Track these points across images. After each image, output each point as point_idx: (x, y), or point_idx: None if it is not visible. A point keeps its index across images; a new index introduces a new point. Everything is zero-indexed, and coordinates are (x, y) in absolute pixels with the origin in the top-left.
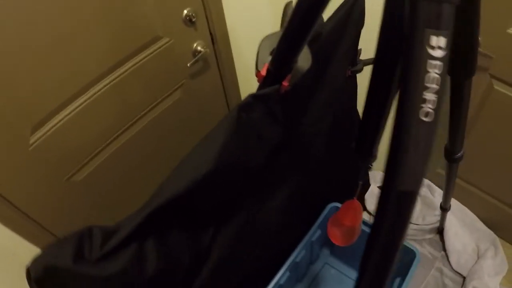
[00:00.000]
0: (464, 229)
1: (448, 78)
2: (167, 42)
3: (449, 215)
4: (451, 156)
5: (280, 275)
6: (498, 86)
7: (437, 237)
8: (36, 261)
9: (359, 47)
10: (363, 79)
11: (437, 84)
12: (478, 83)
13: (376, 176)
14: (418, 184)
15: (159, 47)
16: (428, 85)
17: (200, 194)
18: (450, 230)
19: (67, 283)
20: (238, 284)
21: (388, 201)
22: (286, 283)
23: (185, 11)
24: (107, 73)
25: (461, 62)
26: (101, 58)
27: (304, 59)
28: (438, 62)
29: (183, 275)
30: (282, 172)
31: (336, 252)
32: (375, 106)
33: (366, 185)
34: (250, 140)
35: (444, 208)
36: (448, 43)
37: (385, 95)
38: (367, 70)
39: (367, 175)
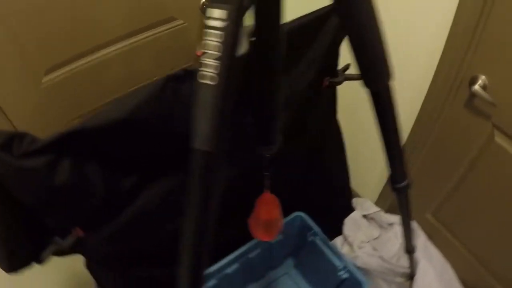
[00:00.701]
0: (439, 285)
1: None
2: (181, 24)
3: (428, 264)
4: (394, 185)
5: (225, 263)
6: (500, 139)
7: (407, 283)
8: None
9: (348, 63)
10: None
11: (218, 51)
12: (478, 131)
13: (364, 203)
14: (207, 144)
15: (173, 27)
16: (207, 51)
17: (114, 138)
18: (423, 280)
19: None
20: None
21: (189, 160)
22: (235, 275)
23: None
24: (121, 39)
25: (369, 67)
26: (118, 24)
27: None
28: (215, 31)
29: (99, 203)
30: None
31: (300, 266)
32: (264, 95)
33: (349, 209)
34: (175, 108)
35: (407, 250)
36: (228, 16)
37: (269, 83)
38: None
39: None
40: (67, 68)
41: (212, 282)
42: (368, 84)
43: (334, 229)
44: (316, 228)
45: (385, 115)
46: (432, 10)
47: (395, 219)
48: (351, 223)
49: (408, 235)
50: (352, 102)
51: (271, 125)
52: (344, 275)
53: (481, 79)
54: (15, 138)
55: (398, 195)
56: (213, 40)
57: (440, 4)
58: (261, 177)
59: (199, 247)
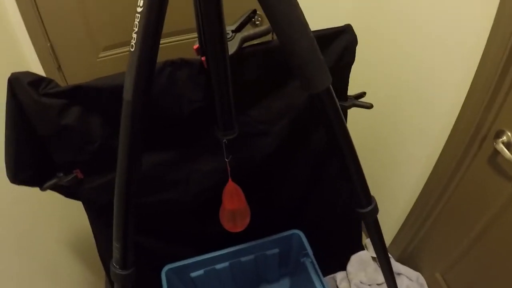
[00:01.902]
0: None
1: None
2: None
3: None
4: (358, 210)
5: (213, 256)
6: None
7: None
8: (14, 74)
9: (364, 91)
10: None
11: (136, 28)
12: (498, 191)
13: None
14: (129, 94)
15: None
16: (134, 29)
17: (115, 102)
18: None
19: (22, 94)
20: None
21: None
22: (224, 273)
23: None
24: (180, 33)
25: (303, 71)
26: (182, 19)
27: (230, 45)
28: (138, 15)
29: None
30: (215, 145)
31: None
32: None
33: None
34: (168, 90)
35: None
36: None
37: (223, 73)
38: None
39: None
40: (123, 49)
41: (198, 272)
42: (305, 88)
43: (338, 261)
44: (309, 249)
45: (330, 121)
46: (456, 60)
47: (405, 270)
48: (356, 261)
49: (386, 274)
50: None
51: (228, 112)
52: None
53: (506, 135)
54: (43, 81)
55: (365, 222)
56: (136, 21)
57: (465, 53)
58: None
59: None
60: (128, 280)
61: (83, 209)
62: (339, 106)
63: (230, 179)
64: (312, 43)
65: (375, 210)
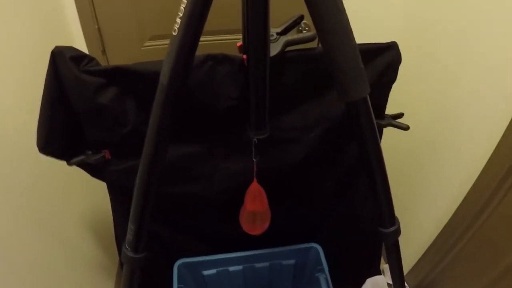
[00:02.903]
0: None
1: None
2: None
3: None
4: (381, 229)
5: (227, 258)
6: None
7: None
8: (58, 47)
9: (402, 112)
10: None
11: (181, 13)
12: None
13: None
14: (165, 78)
15: None
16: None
17: (152, 87)
18: None
19: (63, 68)
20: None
21: None
22: (237, 276)
23: None
24: (227, 32)
25: (342, 78)
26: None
27: (272, 47)
28: (182, 6)
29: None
30: (244, 145)
31: None
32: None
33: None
34: (207, 83)
35: None
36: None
37: (262, 73)
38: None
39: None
40: (168, 41)
41: (211, 271)
42: (342, 95)
43: (352, 282)
44: (325, 265)
45: (362, 134)
46: (500, 89)
47: None
48: (371, 284)
49: None
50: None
51: (262, 112)
52: None
53: None
54: (85, 58)
55: (386, 244)
56: (182, 6)
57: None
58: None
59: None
60: (138, 264)
61: (106, 193)
62: (374, 119)
63: (255, 179)
64: (355, 50)
65: (398, 232)
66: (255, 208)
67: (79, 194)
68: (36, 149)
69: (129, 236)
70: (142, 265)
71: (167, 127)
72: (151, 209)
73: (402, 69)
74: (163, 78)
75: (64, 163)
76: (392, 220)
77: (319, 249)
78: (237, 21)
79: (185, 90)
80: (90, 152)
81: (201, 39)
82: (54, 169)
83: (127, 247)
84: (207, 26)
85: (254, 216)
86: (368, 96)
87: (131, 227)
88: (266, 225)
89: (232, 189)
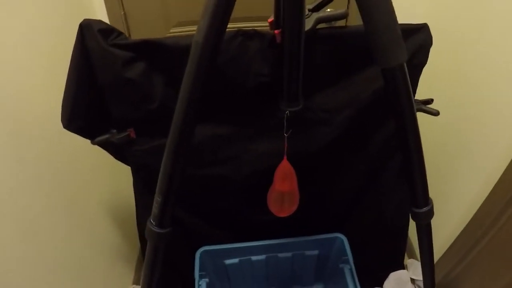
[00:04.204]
0: None
1: None
2: None
3: None
4: (413, 209)
5: (250, 246)
6: None
7: None
8: (87, 20)
9: (431, 98)
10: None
11: None
12: None
13: (417, 267)
14: (199, 36)
15: None
16: None
17: (181, 62)
18: None
19: (91, 40)
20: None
21: None
22: (259, 266)
23: None
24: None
25: (381, 42)
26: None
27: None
28: None
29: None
30: (275, 127)
31: None
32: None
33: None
34: (238, 59)
35: None
36: None
37: (297, 47)
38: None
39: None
40: (194, 28)
41: (233, 260)
42: (379, 61)
43: (374, 276)
44: (350, 256)
45: (399, 103)
46: None
47: None
48: (395, 279)
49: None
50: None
51: (295, 85)
52: None
53: None
54: (114, 31)
55: (418, 225)
56: None
57: None
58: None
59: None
60: (162, 240)
61: (129, 180)
62: (411, 88)
63: (285, 158)
64: (393, 14)
65: (431, 213)
66: (284, 189)
67: (102, 180)
68: (63, 130)
69: (155, 209)
70: (166, 242)
71: (200, 88)
72: (179, 180)
73: (431, 52)
74: (198, 36)
75: (89, 147)
76: (426, 199)
77: (344, 240)
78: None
79: (219, 52)
80: (114, 130)
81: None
82: (79, 152)
83: (152, 221)
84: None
85: (283, 197)
86: (405, 65)
87: (157, 199)
88: (294, 208)
89: (260, 172)
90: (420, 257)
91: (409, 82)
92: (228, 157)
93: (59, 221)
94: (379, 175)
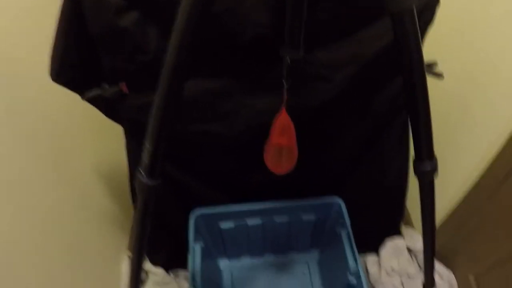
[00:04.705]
0: None
1: None
2: None
3: None
4: (416, 168)
5: (246, 210)
6: None
7: None
8: None
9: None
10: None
11: None
12: None
13: (413, 236)
14: None
15: None
16: None
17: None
18: None
19: None
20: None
21: None
22: (255, 231)
23: None
24: None
25: None
26: None
27: None
28: None
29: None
30: (272, 81)
31: (323, 262)
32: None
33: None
34: (234, 7)
35: (425, 285)
36: None
37: None
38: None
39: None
40: None
41: (228, 224)
42: (387, 4)
43: (370, 242)
44: (347, 220)
45: (406, 50)
46: None
47: (440, 268)
48: (391, 247)
49: (429, 265)
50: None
51: (298, 30)
52: (352, 280)
53: None
54: None
55: (422, 184)
56: None
57: None
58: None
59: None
60: (152, 193)
61: (121, 143)
62: (420, 35)
63: (284, 109)
64: None
65: (435, 169)
66: (282, 143)
67: (94, 143)
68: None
69: (145, 159)
70: (157, 194)
71: (192, 32)
72: (170, 126)
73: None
74: None
75: (80, 108)
76: (431, 152)
77: (341, 203)
78: None
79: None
80: (106, 85)
81: None
82: (70, 114)
83: (141, 172)
84: None
85: (280, 152)
86: (415, 10)
87: (147, 146)
88: (292, 165)
89: (256, 129)
90: (422, 218)
91: (418, 28)
92: (223, 113)
93: (49, 184)
94: (380, 138)
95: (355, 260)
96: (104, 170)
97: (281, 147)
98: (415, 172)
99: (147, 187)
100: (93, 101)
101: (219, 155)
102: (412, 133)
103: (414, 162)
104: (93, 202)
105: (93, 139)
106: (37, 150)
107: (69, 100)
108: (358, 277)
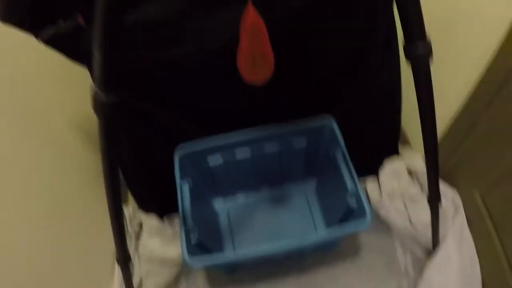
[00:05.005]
0: (456, 279)
1: None
2: None
3: (455, 251)
4: (408, 52)
5: (234, 142)
6: None
7: (424, 259)
8: None
9: None
10: None
11: None
12: None
13: (412, 157)
14: None
15: None
16: None
17: None
18: (442, 268)
19: None
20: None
21: None
22: (243, 165)
23: None
24: None
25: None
26: None
27: None
28: None
29: None
30: None
31: (321, 190)
32: None
33: (392, 152)
34: None
35: (430, 199)
36: None
37: None
38: None
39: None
40: None
41: (216, 159)
42: None
43: (368, 165)
44: (340, 139)
45: None
46: None
47: (443, 187)
48: (390, 168)
49: (431, 163)
50: None
51: None
52: (352, 202)
53: None
54: None
55: (416, 70)
56: None
57: None
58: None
59: None
60: (111, 112)
61: None
62: None
63: (250, 3)
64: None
65: (429, 52)
66: (253, 48)
67: (69, 95)
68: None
69: (96, 70)
70: (114, 112)
71: None
72: (118, 27)
73: None
74: None
75: (52, 61)
76: (422, 32)
77: (333, 123)
78: None
79: None
80: (61, 20)
81: None
82: (42, 67)
83: (96, 88)
84: None
85: (254, 59)
86: None
87: (96, 56)
88: (269, 72)
89: (228, 44)
90: (421, 122)
91: None
92: (192, 32)
93: (24, 137)
94: (367, 48)
95: (353, 181)
96: (81, 119)
97: (253, 54)
98: (407, 57)
99: (104, 104)
100: (51, 42)
101: (195, 84)
102: (399, 12)
103: (405, 46)
104: (70, 151)
105: (69, 88)
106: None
107: (40, 50)
108: (358, 198)
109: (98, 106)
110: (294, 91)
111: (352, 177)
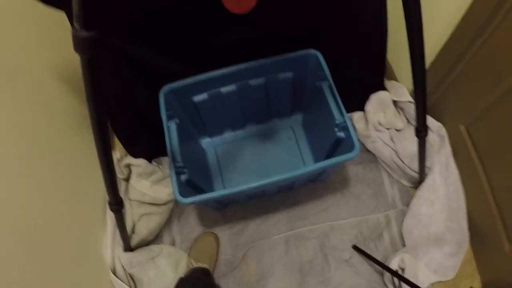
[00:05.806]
0: (444, 211)
1: None
2: None
3: (440, 181)
4: None
5: (217, 76)
6: None
7: (411, 190)
8: None
9: None
10: None
11: None
12: None
13: (398, 89)
14: None
15: None
16: None
17: None
18: (428, 196)
19: None
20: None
21: None
22: (228, 98)
23: None
24: None
25: None
26: None
27: None
28: None
29: None
30: None
31: (307, 123)
32: None
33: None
34: None
35: (417, 130)
36: None
37: None
38: None
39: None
40: None
41: (202, 96)
42: None
43: (355, 100)
44: (326, 70)
45: None
46: None
47: (429, 120)
48: (376, 100)
49: (420, 100)
50: None
51: None
52: (340, 133)
53: None
54: None
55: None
56: None
57: None
58: None
59: None
60: (93, 47)
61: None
62: None
63: None
64: None
65: None
66: None
67: (48, 43)
68: None
69: (75, 5)
70: (99, 46)
71: None
72: None
73: None
74: None
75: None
76: None
77: (318, 54)
78: None
79: None
80: None
81: None
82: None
83: (76, 25)
84: None
85: None
86: None
87: None
88: (253, 1)
89: None
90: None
91: None
92: None
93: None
94: None
95: (340, 111)
96: (61, 67)
97: None
98: None
99: (86, 39)
100: None
101: (177, 17)
102: None
103: None
104: (52, 99)
105: (44, 39)
106: None
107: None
108: (345, 128)
109: (80, 43)
110: (278, 23)
111: (339, 107)
